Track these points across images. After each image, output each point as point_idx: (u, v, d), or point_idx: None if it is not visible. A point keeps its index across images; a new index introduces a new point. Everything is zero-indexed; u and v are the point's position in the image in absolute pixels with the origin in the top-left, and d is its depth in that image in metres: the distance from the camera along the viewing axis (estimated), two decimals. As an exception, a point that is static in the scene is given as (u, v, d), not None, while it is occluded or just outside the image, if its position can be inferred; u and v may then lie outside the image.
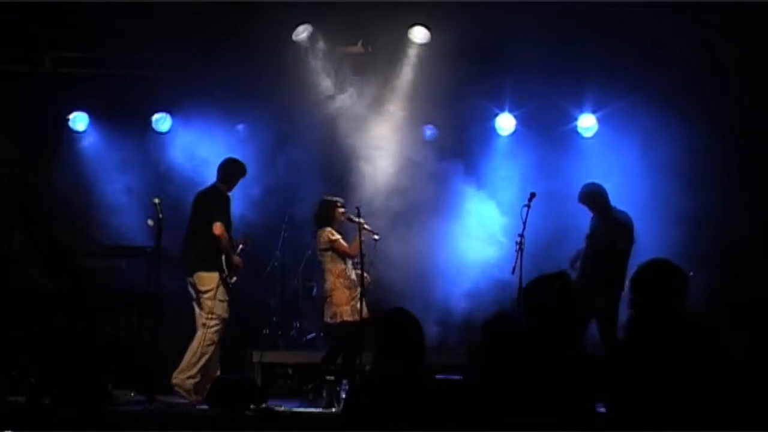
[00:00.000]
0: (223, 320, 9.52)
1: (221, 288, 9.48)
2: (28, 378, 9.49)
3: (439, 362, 9.54)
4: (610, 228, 9.61)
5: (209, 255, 9.48)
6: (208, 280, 9.49)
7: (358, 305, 9.38)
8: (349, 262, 9.63)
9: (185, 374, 9.36)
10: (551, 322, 4.63)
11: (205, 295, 9.47)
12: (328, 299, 9.49)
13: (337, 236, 9.56)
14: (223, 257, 9.50)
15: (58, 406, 8.49)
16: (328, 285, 9.54)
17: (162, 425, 8.27)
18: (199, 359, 9.42)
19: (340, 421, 4.91)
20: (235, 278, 9.64)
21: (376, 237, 9.97)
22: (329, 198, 9.78)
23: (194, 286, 9.58)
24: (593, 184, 9.82)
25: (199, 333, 9.48)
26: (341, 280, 9.51)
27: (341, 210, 9.66)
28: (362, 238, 9.51)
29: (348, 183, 10.81)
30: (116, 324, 10.72)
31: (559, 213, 10.60)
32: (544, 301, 4.68)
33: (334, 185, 10.68)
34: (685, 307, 4.66)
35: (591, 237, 9.76)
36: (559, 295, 4.70)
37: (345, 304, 9.44)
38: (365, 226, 9.61)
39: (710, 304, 9.46)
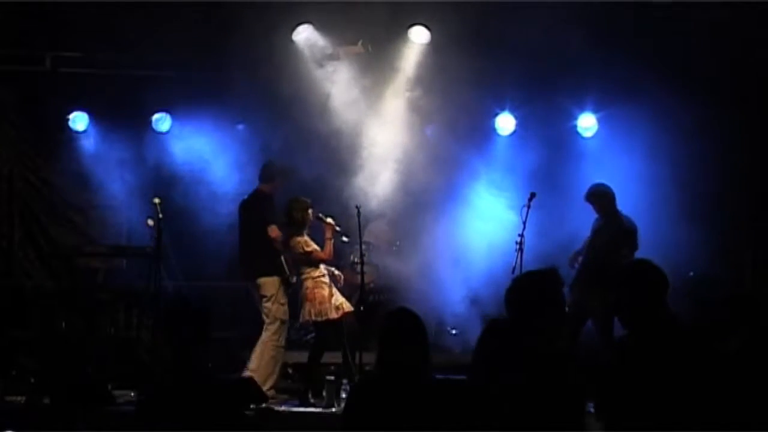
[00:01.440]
0: (282, 322, 9.61)
1: (281, 291, 9.59)
2: (28, 378, 9.49)
3: (439, 362, 9.70)
4: (615, 233, 9.59)
5: (268, 259, 9.57)
6: (270, 285, 9.58)
7: (338, 301, 9.48)
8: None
9: (267, 387, 9.39)
10: (536, 317, 4.63)
11: (268, 301, 9.58)
12: (310, 299, 9.48)
13: (312, 246, 9.52)
14: (282, 258, 9.60)
15: (58, 406, 8.50)
16: (308, 285, 9.54)
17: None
18: (274, 367, 9.55)
19: (340, 421, 4.91)
20: (295, 278, 9.71)
21: (345, 239, 10.00)
22: (301, 199, 9.64)
23: (259, 292, 9.67)
24: (602, 184, 9.76)
25: (263, 337, 9.59)
26: (319, 279, 9.53)
27: (311, 210, 9.61)
28: (332, 239, 9.55)
29: (348, 182, 10.79)
30: (116, 324, 10.71)
31: (559, 213, 10.59)
32: (529, 296, 4.69)
33: (333, 184, 10.68)
34: (664, 307, 4.67)
35: (594, 239, 9.75)
36: (544, 292, 4.71)
37: (327, 301, 9.47)
38: (337, 228, 9.65)
39: (704, 302, 9.49)
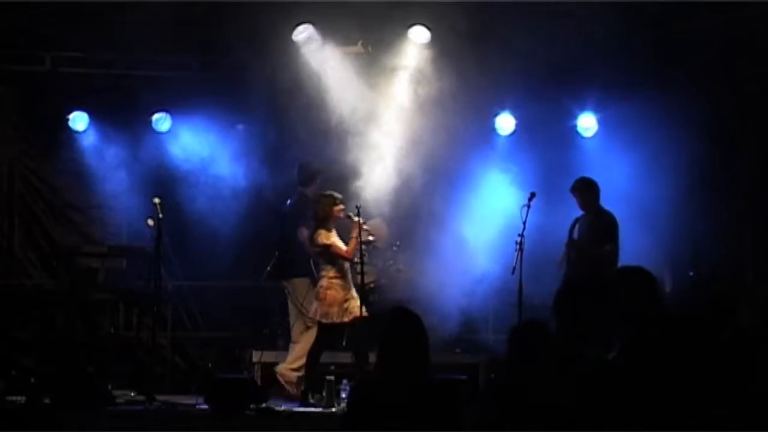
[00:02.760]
0: (313, 323, 9.70)
1: (311, 293, 9.74)
2: (28, 378, 9.49)
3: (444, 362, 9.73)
4: (597, 228, 9.63)
5: (301, 261, 9.82)
6: (301, 286, 9.84)
7: (350, 305, 9.44)
8: (347, 262, 9.63)
9: (291, 366, 9.71)
10: (588, 326, 4.66)
11: (303, 302, 9.82)
12: (321, 299, 9.47)
13: (332, 239, 9.49)
14: (311, 262, 9.82)
15: (58, 406, 8.50)
16: (323, 284, 9.52)
17: (162, 425, 8.28)
18: (303, 356, 9.64)
19: (340, 421, 4.91)
20: (319, 281, 9.81)
21: (371, 238, 9.97)
22: (327, 194, 9.68)
23: (291, 292, 9.95)
24: (588, 177, 9.93)
25: (306, 333, 9.82)
26: (336, 280, 9.50)
27: (339, 207, 9.58)
28: (359, 238, 9.51)
29: (349, 181, 10.79)
30: (116, 324, 10.72)
31: (559, 212, 10.57)
32: (580, 306, 4.72)
33: (334, 183, 10.67)
34: (658, 306, 4.70)
35: (576, 238, 9.77)
36: (596, 300, 4.74)
37: (336, 305, 9.42)
38: (364, 226, 9.61)
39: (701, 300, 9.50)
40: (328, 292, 9.44)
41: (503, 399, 4.50)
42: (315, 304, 9.50)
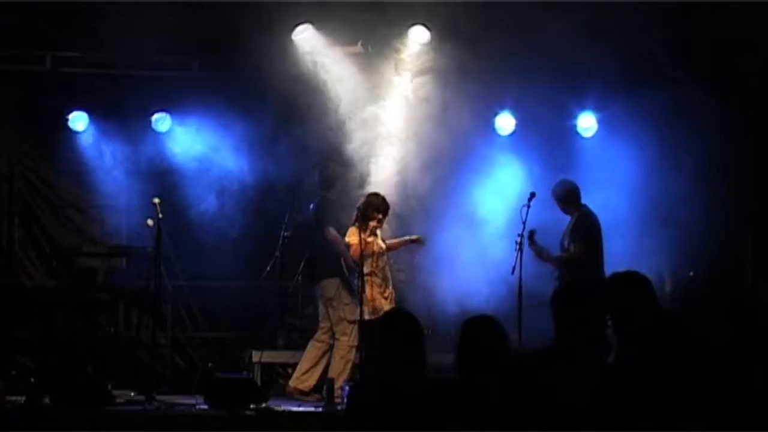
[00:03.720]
0: (349, 322, 9.73)
1: (343, 291, 9.76)
2: (28, 378, 9.50)
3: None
4: (571, 231, 9.63)
5: (330, 262, 9.81)
6: (331, 287, 9.78)
7: (377, 304, 9.54)
8: (382, 259, 9.78)
9: (337, 386, 9.55)
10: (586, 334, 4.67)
11: (333, 303, 9.77)
12: (368, 301, 9.52)
13: (351, 238, 9.63)
14: (342, 261, 9.78)
15: (58, 406, 8.50)
16: (359, 283, 9.60)
17: (162, 425, 8.28)
18: (345, 366, 9.65)
19: (340, 421, 4.91)
20: (357, 281, 9.80)
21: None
22: (380, 199, 9.83)
23: (321, 294, 9.91)
24: (563, 181, 9.86)
25: (336, 342, 9.78)
26: (372, 277, 9.61)
27: (379, 217, 9.73)
28: (366, 238, 9.57)
29: (350, 179, 10.79)
30: (116, 324, 10.72)
31: (558, 212, 10.57)
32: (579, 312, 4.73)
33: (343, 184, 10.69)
34: (656, 311, 4.71)
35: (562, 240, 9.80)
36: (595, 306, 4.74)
37: (376, 298, 9.54)
38: (378, 230, 9.77)
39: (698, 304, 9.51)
40: (373, 289, 9.57)
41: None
42: (363, 307, 9.53)
